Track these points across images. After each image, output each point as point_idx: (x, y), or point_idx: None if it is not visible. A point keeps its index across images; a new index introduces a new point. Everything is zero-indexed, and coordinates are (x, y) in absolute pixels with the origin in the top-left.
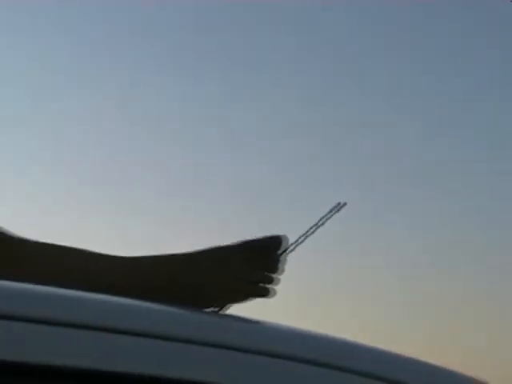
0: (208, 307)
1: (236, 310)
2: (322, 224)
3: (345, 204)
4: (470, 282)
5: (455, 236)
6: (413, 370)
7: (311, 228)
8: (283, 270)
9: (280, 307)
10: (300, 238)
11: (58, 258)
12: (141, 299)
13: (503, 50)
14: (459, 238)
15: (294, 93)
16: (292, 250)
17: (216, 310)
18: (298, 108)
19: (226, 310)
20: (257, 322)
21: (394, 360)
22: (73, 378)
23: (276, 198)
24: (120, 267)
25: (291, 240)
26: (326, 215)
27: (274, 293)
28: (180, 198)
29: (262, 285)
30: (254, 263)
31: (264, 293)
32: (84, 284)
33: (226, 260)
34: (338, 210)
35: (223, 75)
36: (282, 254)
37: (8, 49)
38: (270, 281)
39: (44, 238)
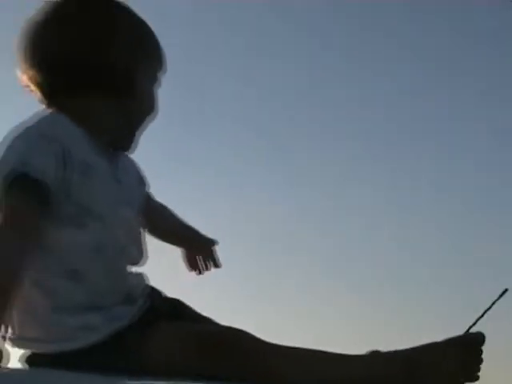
0: None
1: None
2: (489, 308)
3: (506, 290)
4: None
5: None
6: None
7: (484, 311)
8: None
9: None
10: (475, 322)
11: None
12: None
13: (503, 51)
14: None
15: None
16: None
17: None
18: None
19: None
20: None
21: None
22: None
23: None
24: (364, 364)
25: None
26: (496, 300)
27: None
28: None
29: (470, 372)
30: (465, 357)
31: (473, 379)
32: None
33: (444, 354)
34: (501, 296)
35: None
36: (482, 347)
37: None
38: (477, 371)
39: None
